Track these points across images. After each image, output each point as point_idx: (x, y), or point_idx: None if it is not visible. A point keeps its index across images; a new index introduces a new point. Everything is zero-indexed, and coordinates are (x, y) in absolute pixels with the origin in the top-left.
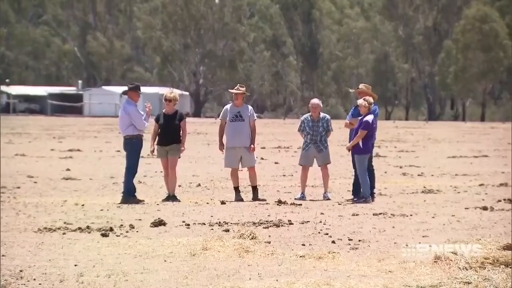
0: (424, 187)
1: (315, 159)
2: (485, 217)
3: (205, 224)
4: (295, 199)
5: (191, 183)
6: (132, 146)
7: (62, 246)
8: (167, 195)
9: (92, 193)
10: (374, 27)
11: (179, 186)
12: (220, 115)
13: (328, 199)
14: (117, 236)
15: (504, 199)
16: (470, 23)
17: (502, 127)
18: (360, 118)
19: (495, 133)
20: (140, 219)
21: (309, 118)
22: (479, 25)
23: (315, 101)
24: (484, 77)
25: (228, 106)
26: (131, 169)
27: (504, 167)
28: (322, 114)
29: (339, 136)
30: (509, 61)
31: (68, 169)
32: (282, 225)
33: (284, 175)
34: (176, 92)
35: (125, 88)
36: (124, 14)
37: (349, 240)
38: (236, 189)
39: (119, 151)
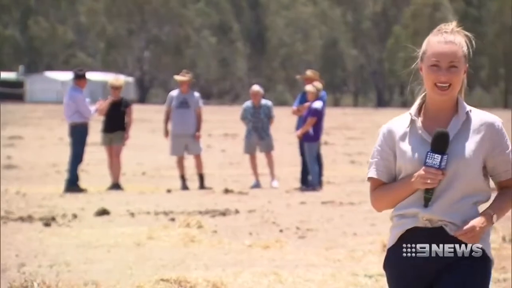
0: None
1: (258, 147)
2: None
3: (150, 213)
4: (250, 187)
5: (135, 171)
6: (78, 133)
7: (3, 235)
8: (111, 183)
9: (34, 181)
10: (322, 12)
11: (124, 174)
12: (166, 102)
13: (275, 187)
14: (59, 225)
15: None
16: (420, 8)
17: None
18: (308, 104)
19: None
20: (83, 208)
21: (251, 105)
22: (428, 10)
23: (255, 87)
24: None
25: (174, 93)
26: (77, 157)
27: None
28: (263, 101)
29: (287, 124)
30: None
31: (9, 157)
32: (229, 214)
33: (231, 163)
34: (121, 78)
35: (69, 74)
36: None
37: (297, 229)
38: (182, 177)
39: (62, 138)
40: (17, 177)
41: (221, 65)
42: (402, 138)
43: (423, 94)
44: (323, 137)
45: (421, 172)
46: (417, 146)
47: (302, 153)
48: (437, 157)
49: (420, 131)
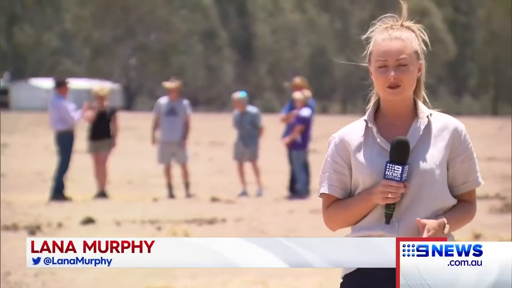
0: None
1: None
2: None
3: (136, 222)
4: (237, 195)
5: (122, 179)
6: (63, 141)
7: None
8: (96, 192)
9: (19, 189)
10: (310, 19)
11: (110, 182)
12: (154, 109)
13: (262, 196)
14: (44, 234)
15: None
16: (408, 15)
17: None
18: (295, 112)
19: None
20: (69, 217)
21: (238, 113)
22: (417, 17)
23: (234, 95)
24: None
25: (162, 100)
26: (63, 166)
27: None
28: (249, 108)
29: (275, 131)
30: (447, 56)
31: None
32: (216, 223)
33: (218, 171)
34: (106, 87)
35: (54, 81)
36: (52, 5)
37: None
38: (169, 185)
39: (48, 146)
40: (2, 185)
41: (208, 72)
42: (358, 148)
43: (377, 98)
44: (312, 145)
45: (381, 185)
46: (375, 157)
47: (291, 161)
48: (398, 168)
49: (378, 140)
